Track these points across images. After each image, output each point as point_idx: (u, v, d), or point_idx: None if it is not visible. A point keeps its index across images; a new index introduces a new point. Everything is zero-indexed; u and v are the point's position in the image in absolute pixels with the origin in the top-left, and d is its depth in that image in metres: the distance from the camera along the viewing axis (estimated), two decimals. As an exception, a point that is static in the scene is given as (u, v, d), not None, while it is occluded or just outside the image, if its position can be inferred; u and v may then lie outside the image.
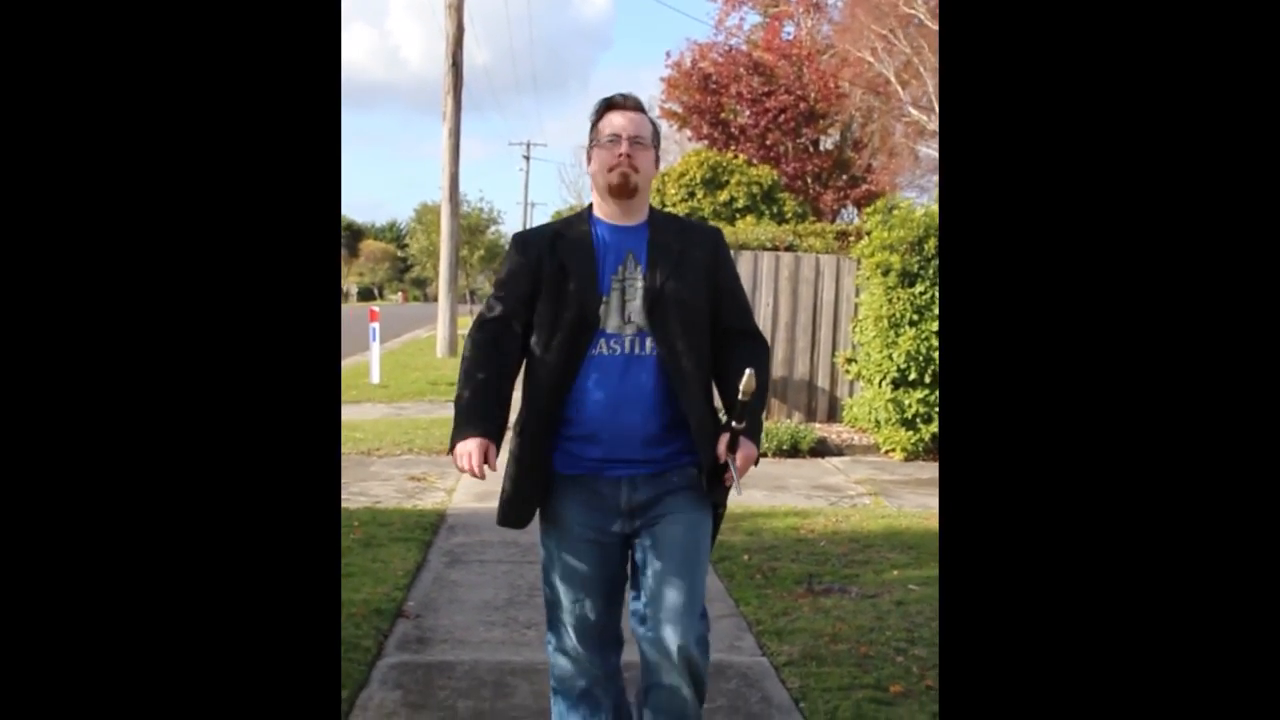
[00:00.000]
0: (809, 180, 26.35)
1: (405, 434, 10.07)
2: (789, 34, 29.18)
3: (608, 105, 2.86)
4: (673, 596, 2.72)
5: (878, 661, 4.24)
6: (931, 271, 9.29)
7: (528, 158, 58.65)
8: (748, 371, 2.60)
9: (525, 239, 2.88)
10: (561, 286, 2.74)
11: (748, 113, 25.25)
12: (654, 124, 2.88)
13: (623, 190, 2.78)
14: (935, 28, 25.04)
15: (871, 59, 25.70)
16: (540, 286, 2.76)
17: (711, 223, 13.98)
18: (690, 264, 2.79)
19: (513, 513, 2.83)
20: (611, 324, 2.74)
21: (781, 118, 25.58)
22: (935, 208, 9.63)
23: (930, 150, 27.40)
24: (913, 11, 25.18)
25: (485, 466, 2.69)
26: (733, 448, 2.70)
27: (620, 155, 2.75)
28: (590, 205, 2.91)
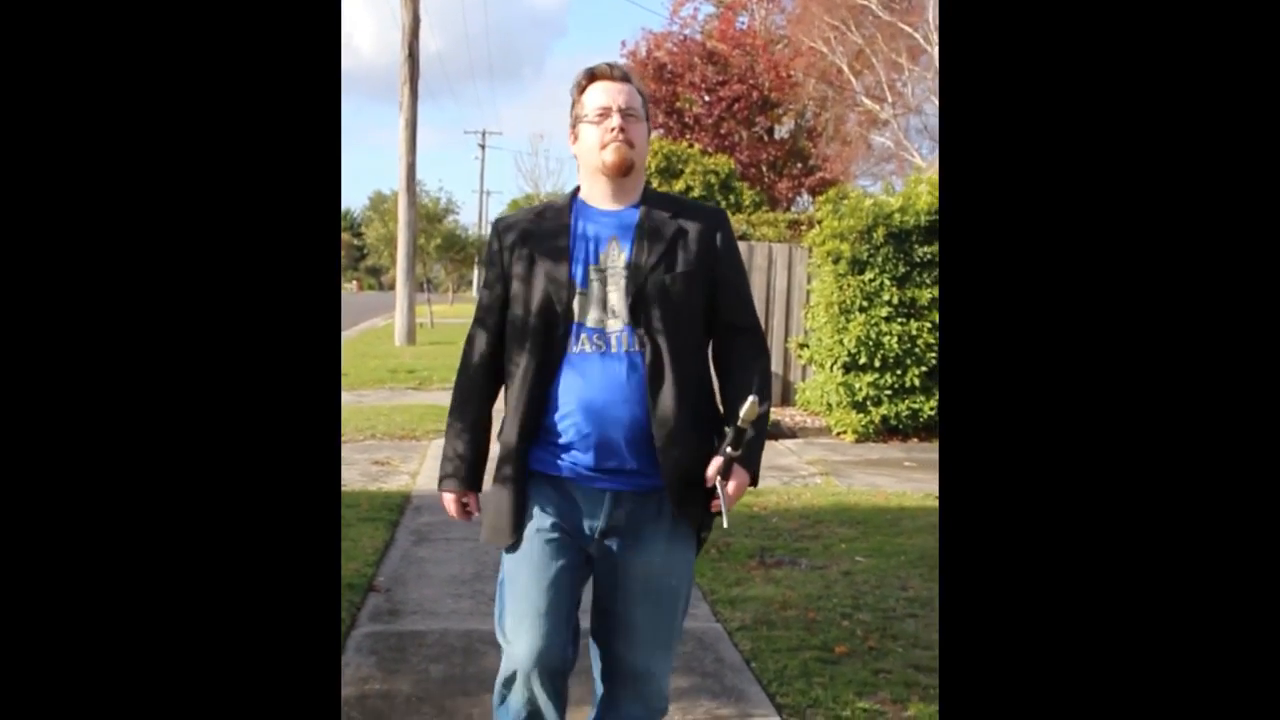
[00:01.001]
0: (764, 169, 26.68)
1: (368, 420, 10.25)
2: (743, 24, 29.48)
3: (592, 76, 2.56)
4: (648, 633, 2.56)
5: (824, 625, 4.51)
6: (881, 259, 9.59)
7: (483, 146, 58.65)
8: (750, 399, 2.36)
9: (502, 226, 2.62)
10: (530, 279, 2.51)
11: (705, 99, 25.49)
12: (643, 94, 2.59)
13: (619, 169, 2.50)
14: (888, 18, 25.39)
15: (824, 49, 26.02)
16: (510, 280, 2.55)
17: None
18: (684, 249, 2.50)
19: (496, 530, 2.57)
20: (591, 317, 2.46)
21: (735, 106, 25.90)
22: (884, 198, 9.94)
23: (883, 139, 27.80)
24: (865, 2, 25.52)
25: (468, 509, 2.65)
26: (725, 474, 2.44)
27: (613, 131, 2.48)
28: (576, 189, 2.63)
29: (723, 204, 16.29)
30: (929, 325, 9.55)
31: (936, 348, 9.52)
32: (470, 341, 2.63)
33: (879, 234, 9.50)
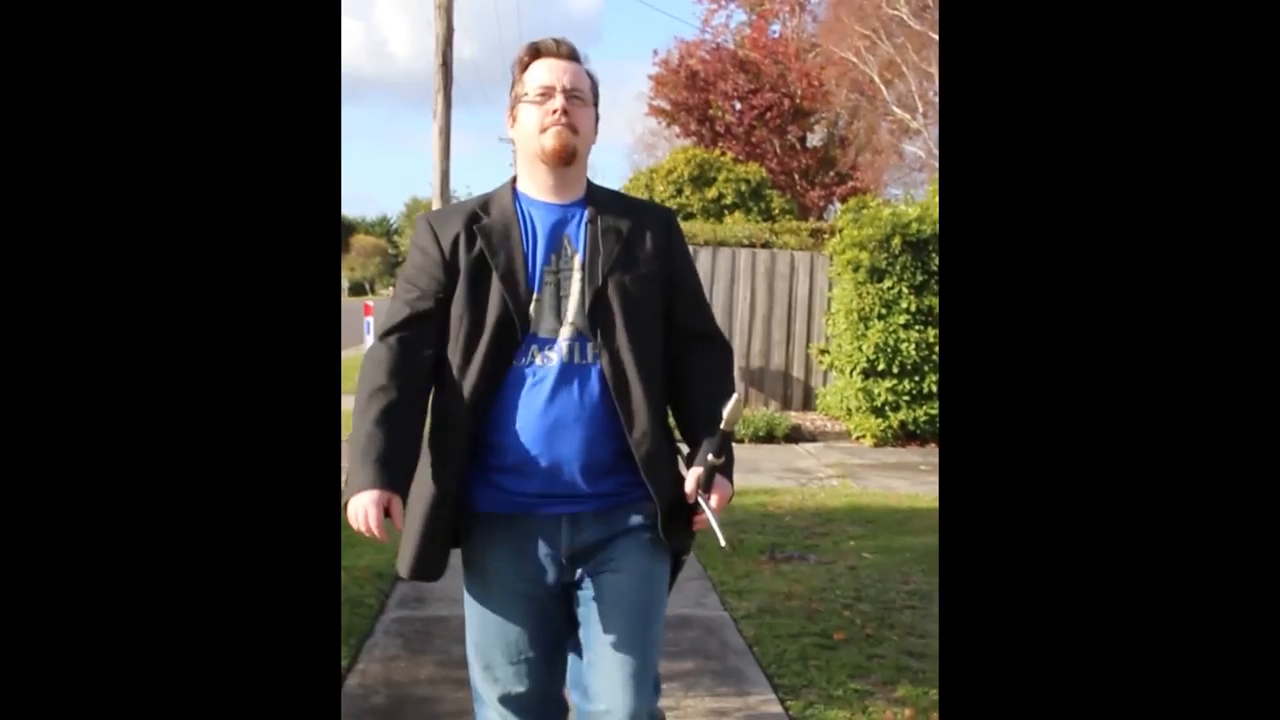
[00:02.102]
0: (796, 177, 26.86)
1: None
2: (775, 32, 29.68)
3: (535, 51, 2.30)
4: (620, 664, 2.20)
5: (825, 615, 4.77)
6: (899, 267, 9.83)
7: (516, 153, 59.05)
8: (733, 398, 2.13)
9: (435, 220, 2.27)
10: (481, 280, 2.19)
11: (737, 107, 25.71)
12: (592, 77, 2.32)
13: (559, 156, 2.23)
14: (918, 28, 25.58)
15: (855, 59, 26.22)
16: (455, 281, 2.21)
17: (699, 219, 14.47)
18: (640, 251, 2.26)
19: (420, 561, 2.21)
20: (544, 326, 2.18)
21: (767, 115, 26.08)
22: (902, 207, 10.18)
23: (914, 148, 27.99)
24: (896, 12, 25.72)
25: (387, 523, 2.10)
26: (707, 486, 2.17)
27: (555, 113, 2.22)
28: (513, 179, 2.35)
29: (754, 210, 16.53)
30: (946, 332, 9.78)
31: (954, 354, 9.74)
32: (385, 342, 2.21)
33: (896, 243, 9.74)
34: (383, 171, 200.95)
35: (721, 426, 2.14)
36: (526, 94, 2.27)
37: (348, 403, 2.37)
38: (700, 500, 2.18)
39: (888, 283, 9.89)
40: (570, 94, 2.24)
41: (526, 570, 2.23)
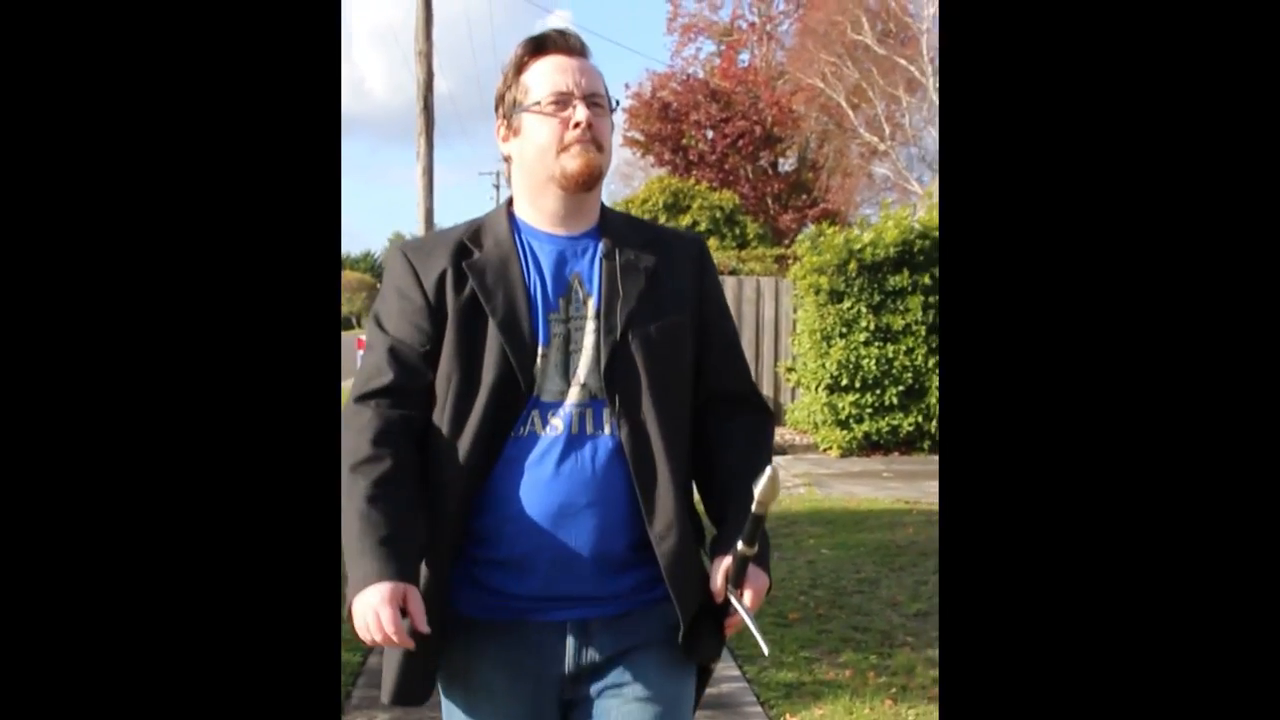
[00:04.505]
0: (769, 202, 27.52)
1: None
2: (744, 61, 30.43)
3: (539, 47, 1.84)
4: None
5: (783, 600, 5.44)
6: (856, 289, 10.57)
7: (497, 186, 59.62)
8: (767, 472, 1.65)
9: (414, 253, 1.84)
10: (475, 331, 1.77)
11: (709, 136, 26.38)
12: (599, 74, 1.87)
13: (582, 182, 1.79)
14: (882, 52, 26.43)
15: (822, 84, 27.00)
16: (442, 330, 1.78)
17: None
18: (667, 292, 1.83)
19: (403, 681, 1.77)
20: (550, 389, 1.77)
21: (740, 142, 26.73)
22: (856, 232, 10.94)
23: (883, 169, 28.82)
24: (860, 37, 26.55)
25: (406, 623, 1.63)
26: (738, 580, 1.75)
27: (577, 127, 1.77)
28: (509, 201, 1.91)
29: (728, 237, 17.22)
30: (904, 348, 10.51)
31: (912, 369, 10.48)
32: (366, 405, 1.77)
33: (853, 267, 10.49)
34: (365, 207, 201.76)
35: (754, 508, 1.67)
36: (533, 101, 1.80)
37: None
38: (732, 598, 1.75)
39: (847, 303, 10.63)
40: (591, 100, 1.79)
41: (521, 689, 1.78)
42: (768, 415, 1.97)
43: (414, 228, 19.19)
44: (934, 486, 8.67)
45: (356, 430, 1.74)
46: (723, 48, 30.81)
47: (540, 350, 1.77)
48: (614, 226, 1.88)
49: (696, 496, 1.88)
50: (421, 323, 1.79)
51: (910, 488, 8.96)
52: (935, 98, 26.66)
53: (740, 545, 1.72)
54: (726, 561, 1.76)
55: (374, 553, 1.65)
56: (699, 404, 1.88)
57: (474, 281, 1.79)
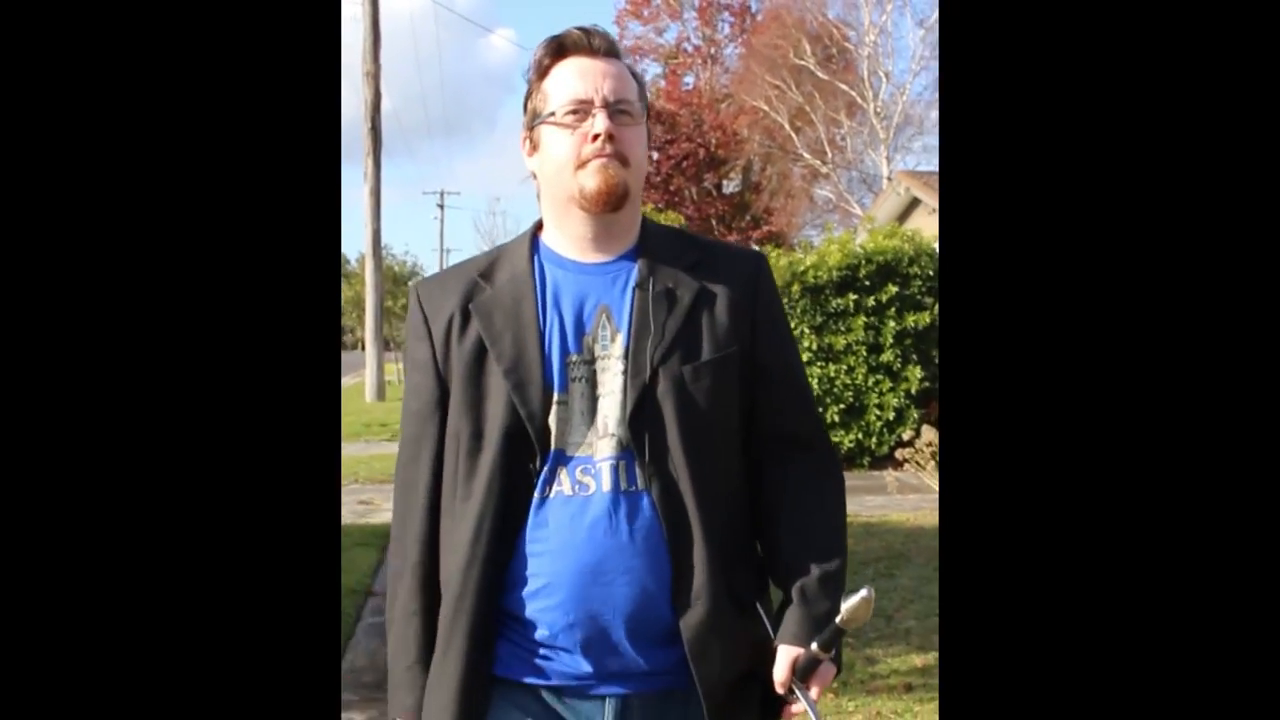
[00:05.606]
0: (714, 223, 27.91)
1: (349, 469, 11.42)
2: (689, 84, 30.87)
3: (560, 49, 1.65)
4: None
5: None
6: (799, 310, 10.94)
7: (442, 206, 59.42)
8: (861, 593, 1.49)
9: (426, 294, 1.71)
10: (480, 379, 1.61)
11: (654, 157, 26.74)
12: (638, 78, 1.69)
13: (604, 201, 1.59)
14: (824, 76, 26.97)
15: (766, 107, 27.50)
16: (450, 378, 1.64)
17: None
18: (709, 323, 1.63)
19: None
20: (574, 441, 1.59)
21: (684, 164, 27.15)
22: (799, 255, 11.31)
23: (824, 191, 29.35)
24: (803, 62, 27.09)
25: None
26: (805, 675, 1.56)
27: (596, 140, 1.58)
28: (537, 225, 1.73)
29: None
30: (845, 368, 10.88)
31: (853, 387, 10.86)
32: (408, 471, 1.69)
33: (796, 289, 10.85)
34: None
35: (838, 622, 1.53)
36: (551, 112, 1.63)
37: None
38: (797, 690, 1.56)
39: (791, 323, 10.98)
40: (615, 108, 1.60)
41: None
42: (832, 462, 1.77)
43: (360, 248, 19.27)
44: (873, 500, 9.02)
45: (400, 516, 1.69)
46: (668, 70, 31.22)
47: (556, 397, 1.58)
48: (655, 248, 1.66)
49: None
50: (432, 376, 1.67)
51: (851, 501, 9.23)
52: (875, 122, 27.30)
53: (815, 647, 1.54)
54: (796, 653, 1.56)
55: (403, 680, 1.64)
56: (762, 448, 1.68)
57: (480, 324, 1.62)
